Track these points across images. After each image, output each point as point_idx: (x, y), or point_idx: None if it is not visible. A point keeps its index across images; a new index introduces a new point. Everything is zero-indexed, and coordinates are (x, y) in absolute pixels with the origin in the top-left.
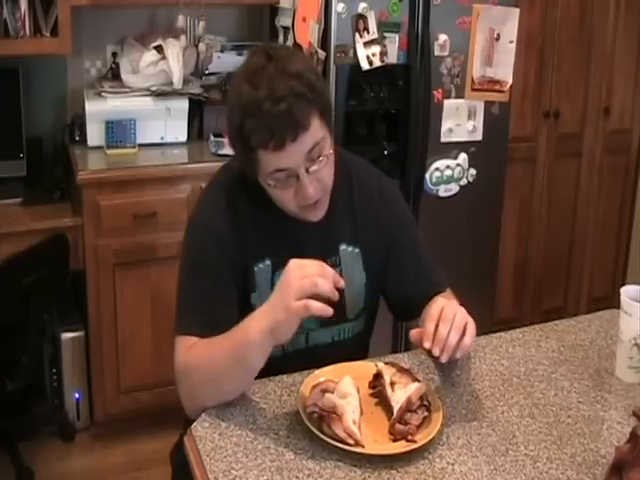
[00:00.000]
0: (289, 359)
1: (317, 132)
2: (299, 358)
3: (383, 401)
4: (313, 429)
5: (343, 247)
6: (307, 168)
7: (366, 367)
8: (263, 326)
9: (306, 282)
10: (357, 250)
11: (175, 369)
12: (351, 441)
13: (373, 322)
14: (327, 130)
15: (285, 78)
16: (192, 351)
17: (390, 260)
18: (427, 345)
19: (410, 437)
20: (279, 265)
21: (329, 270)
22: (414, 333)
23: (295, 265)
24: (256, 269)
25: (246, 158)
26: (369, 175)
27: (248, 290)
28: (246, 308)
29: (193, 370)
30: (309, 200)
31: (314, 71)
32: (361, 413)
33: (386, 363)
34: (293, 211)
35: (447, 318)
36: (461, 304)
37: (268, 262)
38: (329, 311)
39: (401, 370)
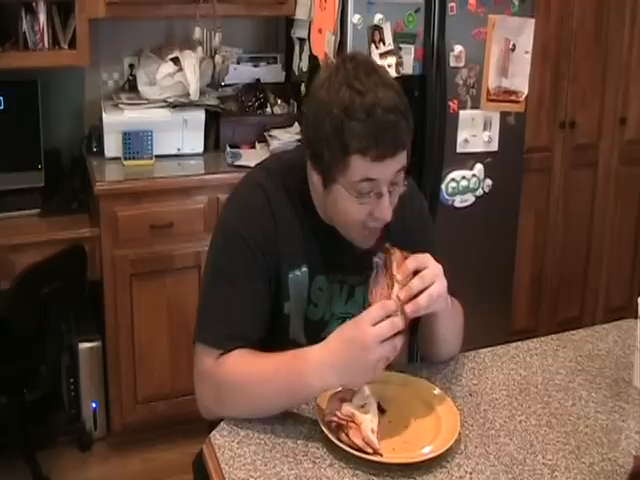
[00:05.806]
0: None
1: (404, 157)
2: None
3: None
4: (331, 438)
5: (376, 260)
6: (390, 190)
7: (384, 376)
8: (331, 382)
9: (387, 348)
10: None
11: (197, 377)
12: (369, 450)
13: None
14: (407, 161)
15: (390, 91)
16: (226, 365)
17: None
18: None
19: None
20: (316, 271)
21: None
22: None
23: (365, 324)
24: (290, 276)
25: (335, 161)
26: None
27: (281, 299)
28: (279, 317)
29: (227, 385)
30: (385, 219)
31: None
32: (379, 422)
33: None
34: (353, 229)
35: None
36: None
37: (305, 269)
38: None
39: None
